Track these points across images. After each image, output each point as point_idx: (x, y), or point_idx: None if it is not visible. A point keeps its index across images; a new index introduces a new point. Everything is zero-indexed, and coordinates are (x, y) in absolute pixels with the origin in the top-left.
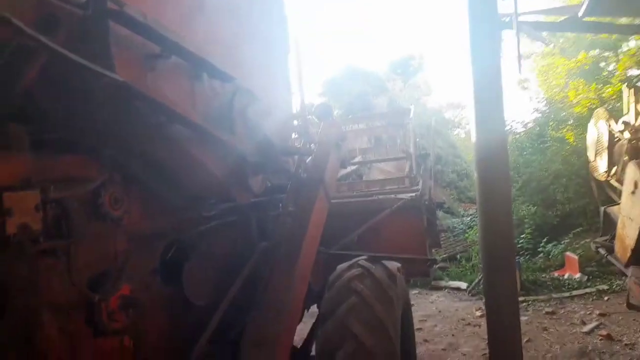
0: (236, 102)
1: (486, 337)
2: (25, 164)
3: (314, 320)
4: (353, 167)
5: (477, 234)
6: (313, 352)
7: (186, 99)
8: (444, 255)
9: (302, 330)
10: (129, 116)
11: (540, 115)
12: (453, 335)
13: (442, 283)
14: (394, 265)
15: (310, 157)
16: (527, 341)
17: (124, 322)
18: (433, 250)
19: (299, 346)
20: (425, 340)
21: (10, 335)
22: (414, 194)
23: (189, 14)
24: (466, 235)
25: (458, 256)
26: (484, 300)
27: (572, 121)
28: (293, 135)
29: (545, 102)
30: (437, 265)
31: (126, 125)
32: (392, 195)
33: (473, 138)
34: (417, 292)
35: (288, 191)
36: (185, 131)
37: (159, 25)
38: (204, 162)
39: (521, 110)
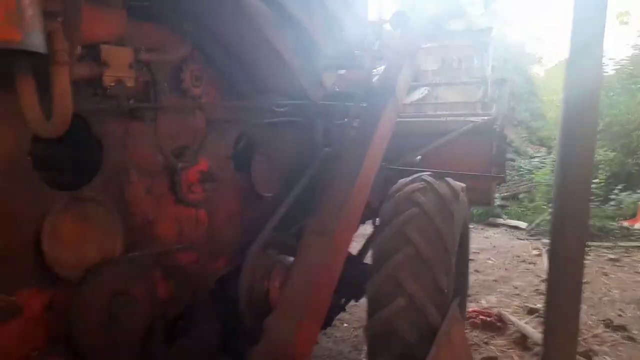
0: None
1: (540, 275)
2: (120, 23)
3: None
4: (423, 91)
5: (546, 176)
6: (366, 261)
7: None
8: (506, 194)
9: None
10: None
11: (637, 52)
12: (506, 269)
13: (500, 221)
14: (458, 184)
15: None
16: (584, 283)
17: (201, 195)
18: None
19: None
20: (477, 271)
21: (104, 188)
22: (485, 118)
23: None
24: (532, 175)
25: (520, 196)
26: (542, 241)
27: None
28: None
29: None
30: (497, 203)
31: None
32: (462, 118)
33: (564, 73)
34: (472, 226)
35: (357, 98)
36: (263, 11)
37: None
38: (279, 49)
39: (615, 47)
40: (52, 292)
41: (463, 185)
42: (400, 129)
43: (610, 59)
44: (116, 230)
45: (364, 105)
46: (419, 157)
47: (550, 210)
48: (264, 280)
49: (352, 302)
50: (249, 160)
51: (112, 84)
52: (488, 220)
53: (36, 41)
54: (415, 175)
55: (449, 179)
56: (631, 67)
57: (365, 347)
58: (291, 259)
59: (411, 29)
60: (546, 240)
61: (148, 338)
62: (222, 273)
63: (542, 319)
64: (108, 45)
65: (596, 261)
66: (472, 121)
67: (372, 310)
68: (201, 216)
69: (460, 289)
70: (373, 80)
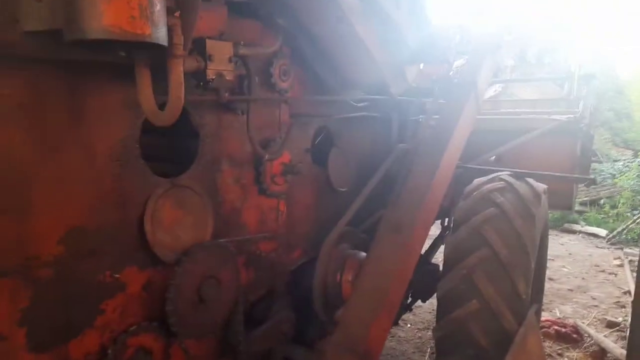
0: None
1: (622, 286)
2: (221, 18)
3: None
4: (497, 88)
5: (631, 181)
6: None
7: None
8: (585, 199)
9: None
10: None
11: None
12: (583, 278)
13: (577, 227)
14: (539, 185)
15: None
16: None
17: (283, 186)
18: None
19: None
20: (551, 279)
21: (200, 177)
22: (572, 116)
23: None
24: (615, 180)
25: (601, 201)
26: (625, 250)
27: None
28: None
29: None
30: (575, 208)
31: None
32: (545, 116)
33: None
34: None
35: (436, 93)
36: (355, 5)
37: None
38: (368, 44)
39: None
40: (151, 271)
41: (545, 186)
42: (478, 126)
43: None
44: (208, 216)
45: (443, 101)
46: (492, 157)
47: (635, 217)
48: (337, 273)
49: (418, 303)
50: (325, 153)
51: (214, 77)
52: (564, 226)
53: (162, 35)
54: (493, 175)
55: (530, 179)
56: None
57: (429, 349)
58: (364, 254)
59: (492, 20)
60: (630, 250)
61: (230, 321)
62: (298, 264)
63: (625, 334)
64: (212, 40)
65: None
66: (556, 120)
67: (443, 311)
68: (281, 207)
69: (537, 296)
70: (452, 75)
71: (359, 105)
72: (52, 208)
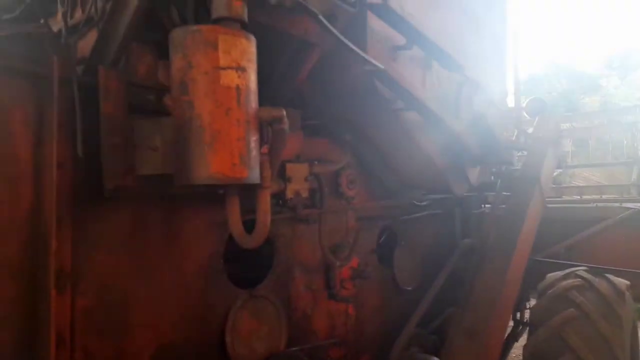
0: (463, 92)
1: None
2: (298, 142)
3: None
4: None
5: None
6: None
7: (418, 88)
8: None
9: None
10: (373, 103)
11: None
12: None
13: None
14: (621, 281)
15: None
16: None
17: (352, 291)
18: None
19: None
20: None
21: (276, 284)
22: None
23: (426, 9)
24: None
25: None
26: None
27: None
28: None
29: None
30: None
31: (368, 112)
32: (617, 204)
33: None
34: None
35: (498, 189)
36: (415, 118)
37: (411, 17)
38: (427, 149)
39: None
40: None
41: (627, 282)
42: (544, 215)
43: None
44: (282, 326)
45: (507, 194)
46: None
47: None
48: None
49: None
50: (390, 252)
51: (292, 196)
52: None
53: (256, 176)
54: (568, 270)
55: (609, 275)
56: None
57: None
58: (435, 359)
59: (549, 114)
60: None
61: None
62: None
63: None
64: (291, 163)
65: None
66: (629, 208)
67: None
68: (350, 311)
69: None
70: (515, 168)
71: (421, 204)
72: (146, 327)
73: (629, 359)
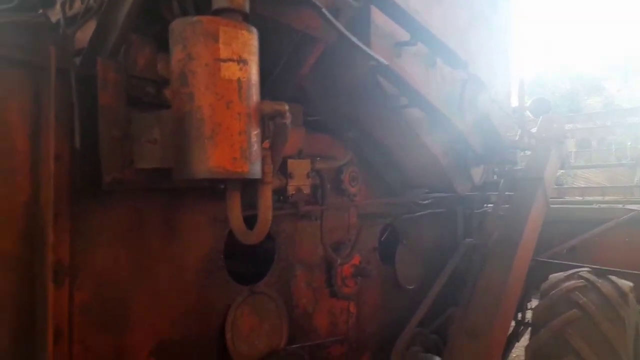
0: (467, 90)
1: None
2: (299, 138)
3: None
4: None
5: None
6: None
7: (422, 85)
8: None
9: None
10: (376, 99)
11: None
12: None
13: None
14: (624, 282)
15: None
16: None
17: (353, 288)
18: None
19: None
20: None
21: (277, 281)
22: None
23: (430, 5)
24: None
25: None
26: None
27: None
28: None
29: None
30: None
31: (371, 109)
32: (620, 205)
33: None
34: None
35: (501, 188)
36: (419, 116)
37: (414, 12)
38: (432, 147)
39: None
40: None
41: (630, 284)
42: (546, 216)
43: None
44: (283, 323)
45: (510, 194)
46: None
47: None
48: None
49: None
50: (392, 251)
51: (294, 192)
52: None
53: (257, 170)
54: (571, 271)
55: (612, 277)
56: None
57: None
58: (437, 358)
59: (553, 114)
60: None
61: None
62: None
63: None
64: (293, 159)
65: None
66: (632, 210)
67: None
68: (352, 309)
69: None
70: (519, 168)
71: (424, 202)
72: (145, 322)
73: None
